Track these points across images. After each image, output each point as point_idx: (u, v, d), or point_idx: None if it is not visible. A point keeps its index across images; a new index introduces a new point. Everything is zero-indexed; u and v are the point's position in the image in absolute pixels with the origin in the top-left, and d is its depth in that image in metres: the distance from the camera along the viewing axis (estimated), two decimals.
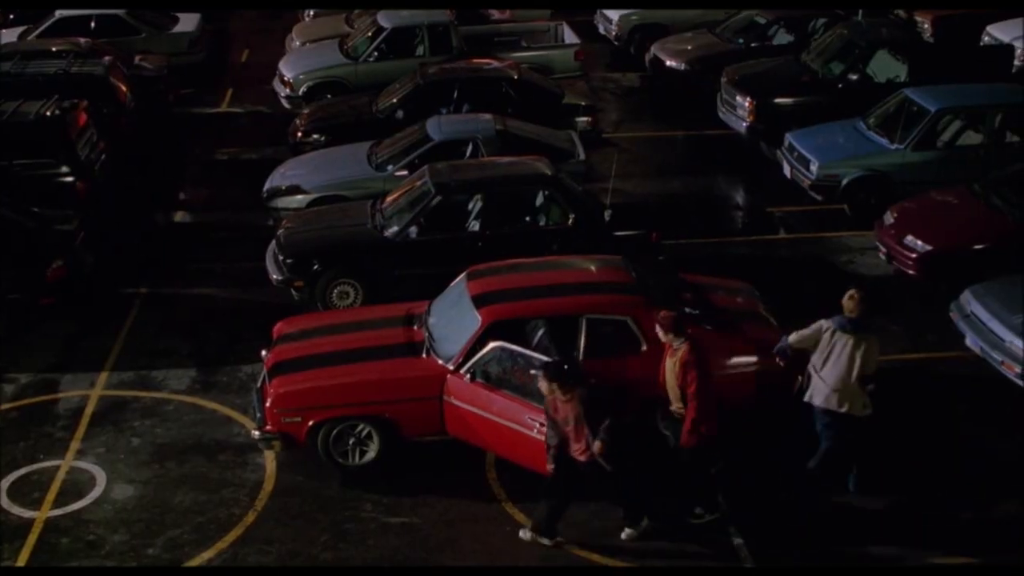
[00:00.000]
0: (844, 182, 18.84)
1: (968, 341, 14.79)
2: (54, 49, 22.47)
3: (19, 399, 14.74)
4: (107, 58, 21.76)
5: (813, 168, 18.92)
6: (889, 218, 17.42)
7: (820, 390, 12.24)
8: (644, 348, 13.11)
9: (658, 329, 12.10)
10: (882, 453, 13.35)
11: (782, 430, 13.60)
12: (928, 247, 16.55)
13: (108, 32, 24.91)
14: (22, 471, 13.32)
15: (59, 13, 25.40)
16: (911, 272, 16.73)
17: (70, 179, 18.19)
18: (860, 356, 12.02)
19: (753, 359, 13.43)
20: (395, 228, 16.19)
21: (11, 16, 27.74)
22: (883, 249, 17.25)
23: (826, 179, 18.88)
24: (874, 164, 18.87)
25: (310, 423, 12.89)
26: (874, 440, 13.53)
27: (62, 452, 13.66)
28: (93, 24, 25.06)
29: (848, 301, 12.28)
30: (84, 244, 16.95)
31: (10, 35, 25.35)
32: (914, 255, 16.62)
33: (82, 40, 23.32)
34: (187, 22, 26.47)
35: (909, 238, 16.76)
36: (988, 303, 14.72)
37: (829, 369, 12.14)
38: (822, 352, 12.25)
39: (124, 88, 21.38)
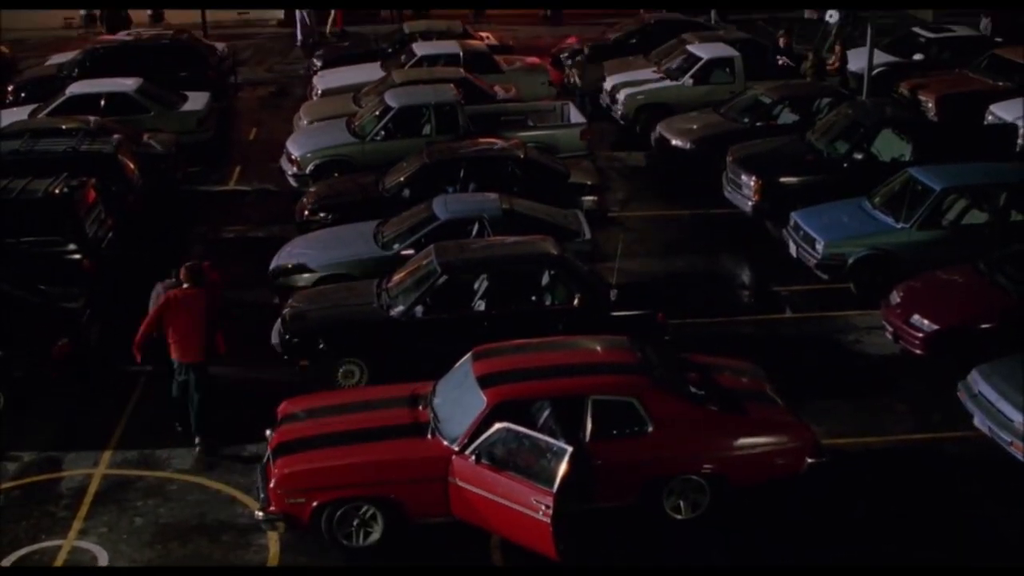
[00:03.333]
0: (850, 261, 18.86)
1: (976, 421, 14.72)
2: (64, 127, 22.65)
3: (22, 477, 14.67)
4: (116, 136, 21.90)
5: (819, 247, 18.95)
6: (895, 297, 17.41)
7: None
8: (650, 429, 13.07)
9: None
10: (890, 534, 13.24)
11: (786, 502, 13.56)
12: (934, 326, 16.52)
13: (117, 110, 25.08)
14: (23, 551, 13.23)
15: (69, 91, 25.64)
16: (918, 351, 16.69)
17: (77, 256, 18.25)
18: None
19: (760, 439, 13.39)
20: (401, 307, 16.19)
21: (22, 95, 27.99)
22: (889, 328, 17.22)
23: (832, 258, 18.91)
24: (880, 243, 18.90)
25: (314, 504, 12.81)
26: (882, 520, 13.46)
27: (64, 532, 13.58)
28: (103, 103, 25.26)
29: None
30: (90, 321, 16.96)
31: (21, 113, 25.56)
32: (920, 334, 16.60)
33: (91, 118, 23.50)
34: (196, 101, 26.69)
35: (915, 317, 16.74)
36: (996, 383, 14.65)
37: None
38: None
39: (132, 166, 21.50)
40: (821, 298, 19.16)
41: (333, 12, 38.25)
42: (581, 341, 14.42)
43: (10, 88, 28.57)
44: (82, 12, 38.17)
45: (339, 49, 32.95)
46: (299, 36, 37.23)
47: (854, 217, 19.48)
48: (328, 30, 38.04)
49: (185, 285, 15.13)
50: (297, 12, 37.24)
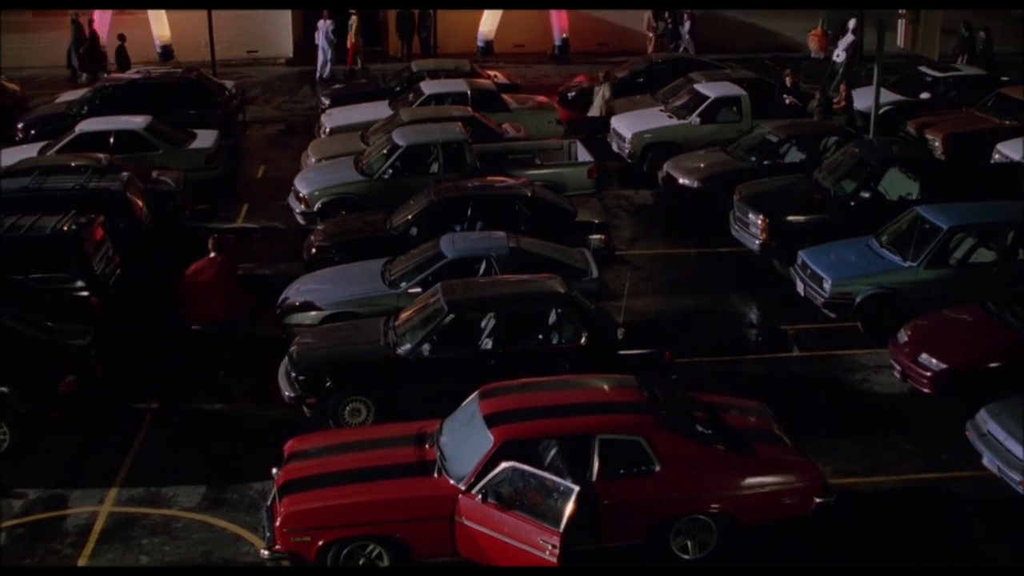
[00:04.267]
0: (857, 300, 18.83)
1: (985, 460, 14.66)
2: (73, 164, 22.71)
3: (26, 515, 14.63)
4: (124, 174, 21.97)
5: (826, 286, 18.93)
6: (903, 336, 17.38)
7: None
8: (657, 468, 13.03)
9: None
10: (898, 573, 13.17)
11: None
12: (943, 365, 16.48)
13: (126, 148, 25.15)
14: None
15: (79, 129, 25.73)
16: (926, 390, 16.65)
17: (85, 294, 18.29)
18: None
19: (768, 479, 13.34)
20: (408, 346, 16.18)
21: (32, 132, 28.12)
22: (897, 367, 17.18)
23: (839, 297, 18.88)
24: (887, 282, 18.88)
25: (320, 543, 12.77)
26: (889, 560, 13.40)
27: None
28: (112, 140, 25.36)
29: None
30: (97, 359, 16.96)
31: (31, 150, 25.66)
32: (929, 373, 16.55)
33: (100, 156, 23.57)
34: (204, 138, 26.78)
35: (923, 356, 16.70)
36: (1004, 422, 14.62)
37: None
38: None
39: (140, 203, 21.55)
40: (828, 337, 19.14)
41: (359, 58, 38.42)
42: (588, 380, 14.41)
43: (20, 125, 28.69)
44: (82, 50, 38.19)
45: (348, 87, 33.10)
46: (326, 69, 37.38)
47: (861, 256, 19.47)
48: (359, 64, 38.25)
49: (212, 254, 18.08)
50: (320, 46, 37.41)
